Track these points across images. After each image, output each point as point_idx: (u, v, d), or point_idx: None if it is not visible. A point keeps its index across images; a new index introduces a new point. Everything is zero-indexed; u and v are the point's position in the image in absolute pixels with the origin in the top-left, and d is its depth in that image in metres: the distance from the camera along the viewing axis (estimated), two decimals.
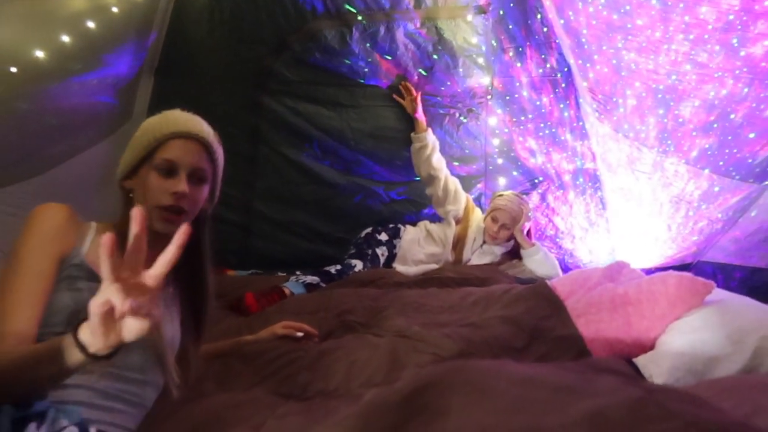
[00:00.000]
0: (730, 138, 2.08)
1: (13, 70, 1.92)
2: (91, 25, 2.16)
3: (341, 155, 2.99)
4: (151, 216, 1.23)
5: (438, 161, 2.83)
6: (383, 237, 2.83)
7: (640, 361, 1.48)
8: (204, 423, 1.17)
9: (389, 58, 2.79)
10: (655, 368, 1.43)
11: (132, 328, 0.84)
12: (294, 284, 2.40)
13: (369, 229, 2.90)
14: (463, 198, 2.90)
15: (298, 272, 2.57)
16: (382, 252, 2.76)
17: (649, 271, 2.15)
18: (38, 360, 0.95)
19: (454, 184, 2.87)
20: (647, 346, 1.60)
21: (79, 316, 0.97)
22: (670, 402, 0.96)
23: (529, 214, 2.80)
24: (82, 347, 0.88)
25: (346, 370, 1.43)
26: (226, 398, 1.29)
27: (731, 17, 1.71)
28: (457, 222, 2.89)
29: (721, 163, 2.16)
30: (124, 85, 2.64)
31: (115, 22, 2.30)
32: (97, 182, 2.57)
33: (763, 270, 2.33)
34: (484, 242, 2.85)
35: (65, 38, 2.07)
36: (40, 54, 1.98)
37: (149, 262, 1.29)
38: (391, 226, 2.92)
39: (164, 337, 1.22)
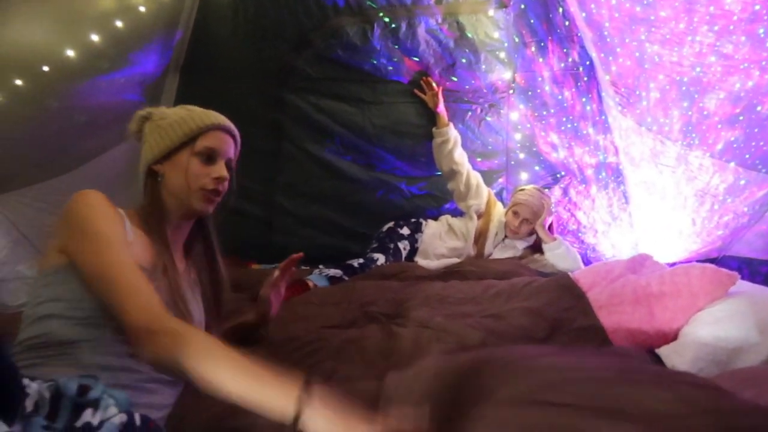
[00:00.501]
0: (756, 130, 2.05)
1: (45, 68, 1.98)
2: (119, 24, 2.21)
3: (363, 151, 3.01)
4: (192, 197, 1.35)
5: (460, 156, 2.84)
6: (405, 231, 2.84)
7: (663, 351, 1.48)
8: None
9: (411, 55, 2.80)
10: (677, 358, 1.43)
11: None
12: (317, 277, 2.44)
13: (391, 224, 2.90)
14: (485, 192, 2.89)
15: (321, 266, 2.60)
16: (404, 246, 2.78)
17: (672, 265, 2.13)
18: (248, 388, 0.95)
19: (476, 178, 2.87)
20: (670, 338, 1.59)
21: None
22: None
23: (552, 208, 2.79)
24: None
25: (370, 358, 1.45)
26: None
27: (757, 7, 1.69)
28: (479, 216, 2.88)
29: (747, 156, 2.13)
30: (150, 83, 2.70)
31: (142, 21, 2.35)
32: (125, 178, 2.63)
33: None
34: (506, 236, 2.84)
35: (94, 37, 2.12)
36: (70, 53, 2.04)
37: (178, 234, 1.40)
38: (412, 220, 2.92)
39: (194, 317, 1.31)
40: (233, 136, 1.43)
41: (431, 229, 2.87)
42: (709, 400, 0.91)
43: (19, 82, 1.91)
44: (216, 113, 1.42)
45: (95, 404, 0.99)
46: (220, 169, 1.36)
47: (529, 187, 2.82)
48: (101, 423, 0.98)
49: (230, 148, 1.41)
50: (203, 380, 0.96)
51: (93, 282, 1.13)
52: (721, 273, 1.68)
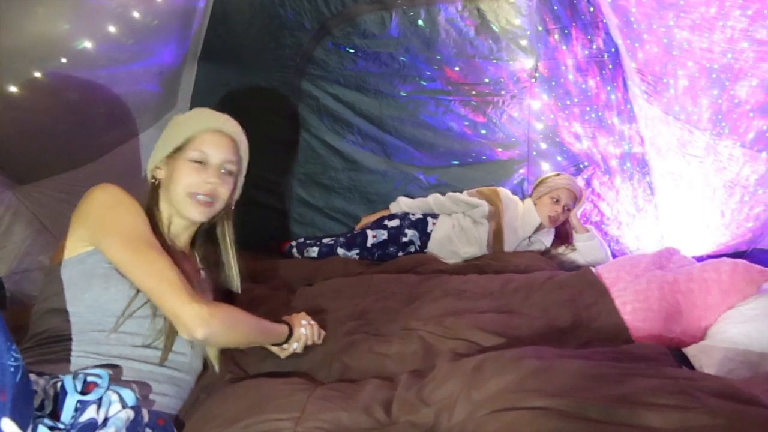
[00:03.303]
0: None
1: (63, 60, 1.98)
2: (135, 15, 2.20)
3: (382, 141, 2.97)
4: (182, 204, 1.34)
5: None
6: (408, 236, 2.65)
7: (690, 351, 1.42)
8: (255, 399, 1.20)
9: (430, 45, 2.74)
10: (705, 359, 1.38)
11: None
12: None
13: (396, 221, 2.69)
14: (476, 200, 2.63)
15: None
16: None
17: (700, 259, 2.07)
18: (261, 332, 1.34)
19: (446, 200, 2.72)
20: (698, 337, 1.54)
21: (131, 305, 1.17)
22: (693, 389, 0.93)
23: (585, 197, 2.68)
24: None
25: (380, 358, 1.43)
26: (267, 381, 1.31)
27: None
28: (490, 217, 2.61)
29: None
30: (168, 74, 2.69)
31: (158, 12, 2.33)
32: (144, 169, 2.65)
33: None
34: (536, 231, 2.66)
35: (111, 29, 2.11)
36: (87, 44, 2.03)
37: (184, 234, 1.43)
38: (418, 218, 2.70)
39: None
40: (233, 139, 1.42)
41: (440, 231, 2.63)
42: (737, 414, 0.87)
43: (37, 74, 1.91)
44: (216, 115, 1.42)
45: (99, 401, 1.00)
46: (211, 174, 1.35)
47: (562, 174, 2.70)
48: (106, 419, 0.98)
49: (227, 151, 1.39)
50: (239, 343, 1.31)
51: (133, 276, 1.18)
52: (753, 269, 1.62)
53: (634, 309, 1.63)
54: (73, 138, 2.26)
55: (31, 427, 0.85)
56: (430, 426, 1.06)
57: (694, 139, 2.26)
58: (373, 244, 2.63)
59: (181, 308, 1.13)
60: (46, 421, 0.94)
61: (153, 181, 1.40)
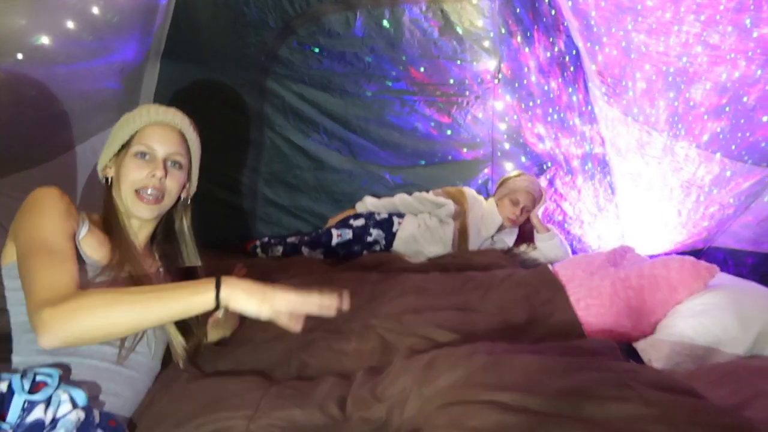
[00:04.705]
0: (742, 121, 2.05)
1: (20, 56, 1.93)
2: (95, 11, 2.16)
3: (347, 140, 2.98)
4: (130, 202, 1.31)
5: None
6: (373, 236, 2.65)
7: (640, 345, 1.46)
8: (208, 397, 1.19)
9: (394, 46, 2.75)
10: (654, 353, 1.42)
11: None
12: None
13: (360, 221, 2.70)
14: (442, 199, 2.66)
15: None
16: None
17: (656, 257, 2.12)
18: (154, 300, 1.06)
19: (412, 200, 2.72)
20: (648, 331, 1.58)
21: None
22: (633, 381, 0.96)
23: (545, 196, 2.72)
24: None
25: (338, 355, 1.43)
26: (223, 380, 1.30)
27: None
28: (456, 217, 2.64)
29: (733, 147, 2.13)
30: (130, 71, 2.64)
31: (119, 8, 2.30)
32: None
33: None
34: (498, 231, 2.71)
35: (70, 24, 2.07)
36: (45, 40, 1.99)
37: (141, 234, 1.38)
38: (384, 217, 2.70)
39: None
40: (179, 132, 1.38)
41: (406, 231, 2.63)
42: (670, 404, 0.90)
43: None
44: (162, 109, 1.38)
45: (48, 401, 0.98)
46: (157, 168, 1.31)
47: (523, 173, 2.72)
48: (55, 420, 0.96)
49: (173, 144, 1.35)
50: (116, 327, 1.05)
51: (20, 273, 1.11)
52: (701, 266, 1.67)
53: (588, 305, 1.67)
54: (31, 136, 2.21)
55: None
56: (383, 421, 1.07)
57: (652, 140, 2.31)
58: (338, 244, 2.63)
59: (31, 316, 1.03)
60: None
61: (104, 181, 1.37)
